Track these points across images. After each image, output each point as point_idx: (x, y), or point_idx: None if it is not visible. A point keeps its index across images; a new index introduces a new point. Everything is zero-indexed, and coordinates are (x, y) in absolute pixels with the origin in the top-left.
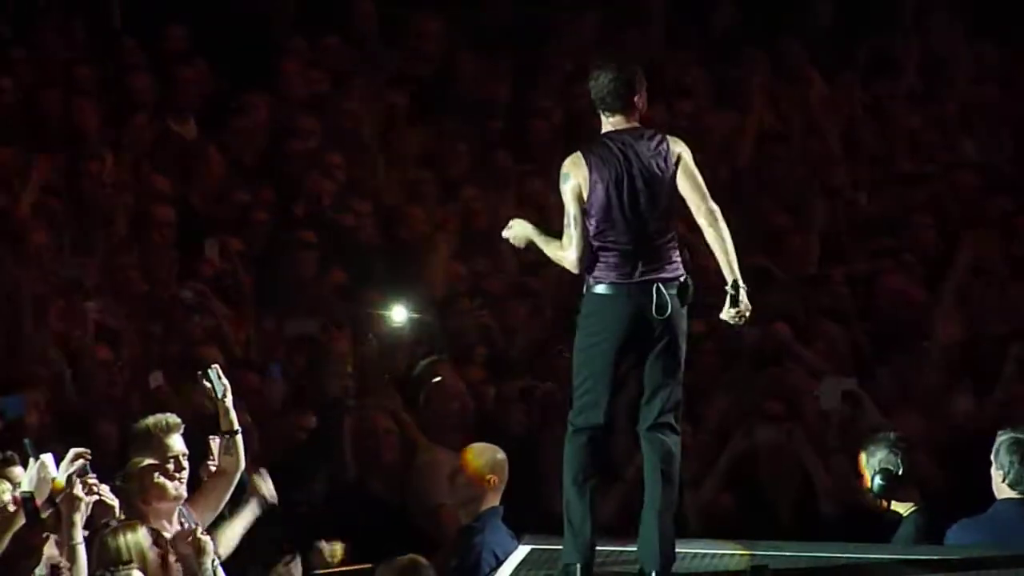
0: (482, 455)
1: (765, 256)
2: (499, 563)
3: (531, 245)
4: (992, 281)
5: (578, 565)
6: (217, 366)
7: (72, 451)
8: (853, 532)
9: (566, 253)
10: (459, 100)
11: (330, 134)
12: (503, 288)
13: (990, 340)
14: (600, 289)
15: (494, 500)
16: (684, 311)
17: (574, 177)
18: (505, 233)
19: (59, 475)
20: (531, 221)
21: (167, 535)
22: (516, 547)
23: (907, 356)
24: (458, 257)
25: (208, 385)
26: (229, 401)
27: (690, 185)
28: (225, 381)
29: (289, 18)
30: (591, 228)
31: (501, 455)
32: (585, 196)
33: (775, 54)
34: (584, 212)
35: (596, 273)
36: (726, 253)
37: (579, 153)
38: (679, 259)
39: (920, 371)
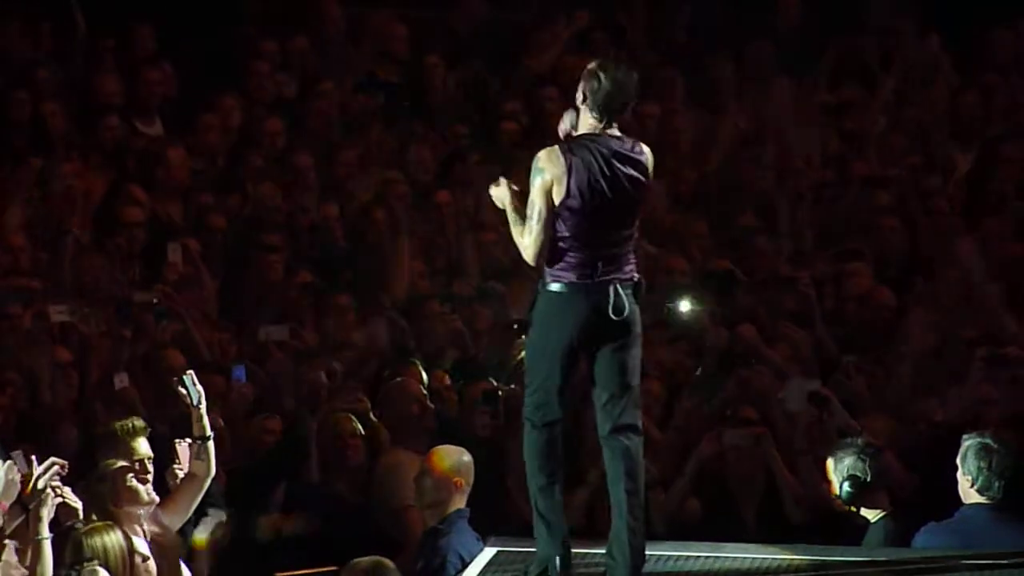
0: (448, 457)
1: (729, 259)
2: (465, 565)
3: (503, 214)
4: (963, 284)
5: (558, 557)
6: (192, 373)
7: (49, 460)
8: (820, 536)
9: (524, 243)
10: (427, 102)
11: (297, 136)
12: (469, 291)
13: (958, 343)
14: (557, 287)
15: (460, 502)
16: (638, 313)
17: (549, 172)
18: (491, 189)
19: (37, 482)
20: (494, 224)
21: (137, 539)
22: (482, 549)
23: (875, 358)
24: (425, 260)
25: (183, 391)
26: (203, 407)
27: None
28: (199, 388)
29: (257, 20)
30: (558, 227)
31: (467, 457)
32: (557, 194)
33: (743, 57)
34: (550, 209)
35: (556, 272)
36: None
37: (557, 149)
38: (635, 260)
39: (889, 373)
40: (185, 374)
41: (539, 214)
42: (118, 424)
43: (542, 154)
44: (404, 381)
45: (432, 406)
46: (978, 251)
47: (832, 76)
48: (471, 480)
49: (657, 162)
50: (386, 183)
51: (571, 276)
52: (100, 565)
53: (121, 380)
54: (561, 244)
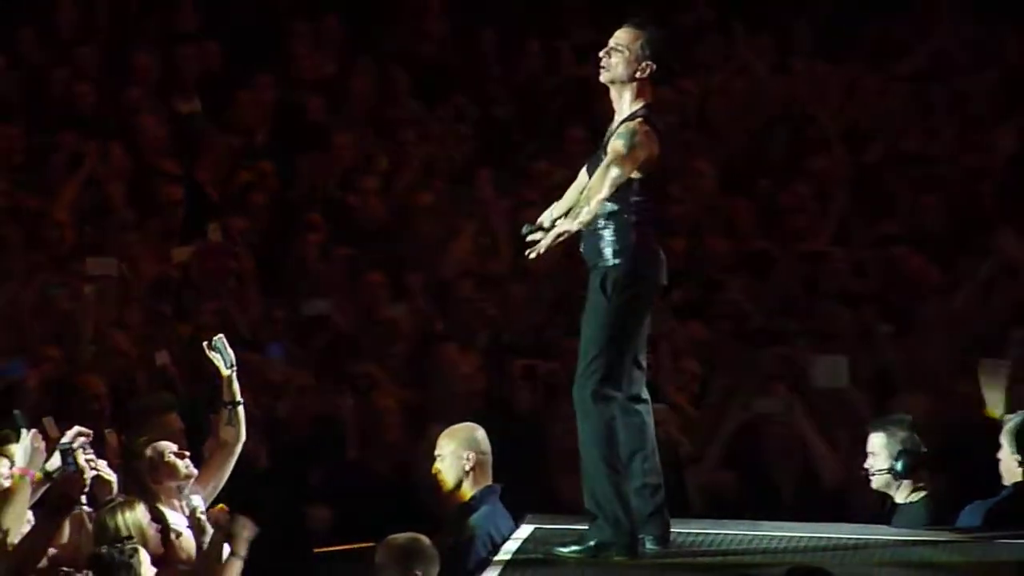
0: (454, 437)
1: (768, 237)
2: (494, 542)
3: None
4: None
5: (627, 538)
6: (223, 336)
7: (74, 428)
8: (853, 510)
9: (598, 198)
10: (468, 79)
11: (336, 114)
12: (505, 270)
13: (997, 321)
14: (641, 255)
15: (485, 478)
16: None
17: (648, 150)
18: (532, 253)
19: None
20: (536, 200)
21: (174, 513)
22: (512, 526)
23: (913, 334)
24: (464, 238)
25: (216, 355)
26: (234, 372)
27: None
28: (231, 352)
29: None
30: (636, 198)
31: (479, 433)
32: (643, 173)
33: (780, 36)
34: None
35: (633, 240)
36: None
37: (653, 131)
38: None
39: (927, 349)
40: (216, 338)
41: (618, 182)
42: (148, 400)
43: (642, 131)
44: (448, 358)
45: (475, 383)
46: (1016, 233)
47: (871, 56)
48: (485, 450)
49: (697, 139)
50: (426, 160)
51: (649, 245)
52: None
53: (162, 357)
54: (634, 215)
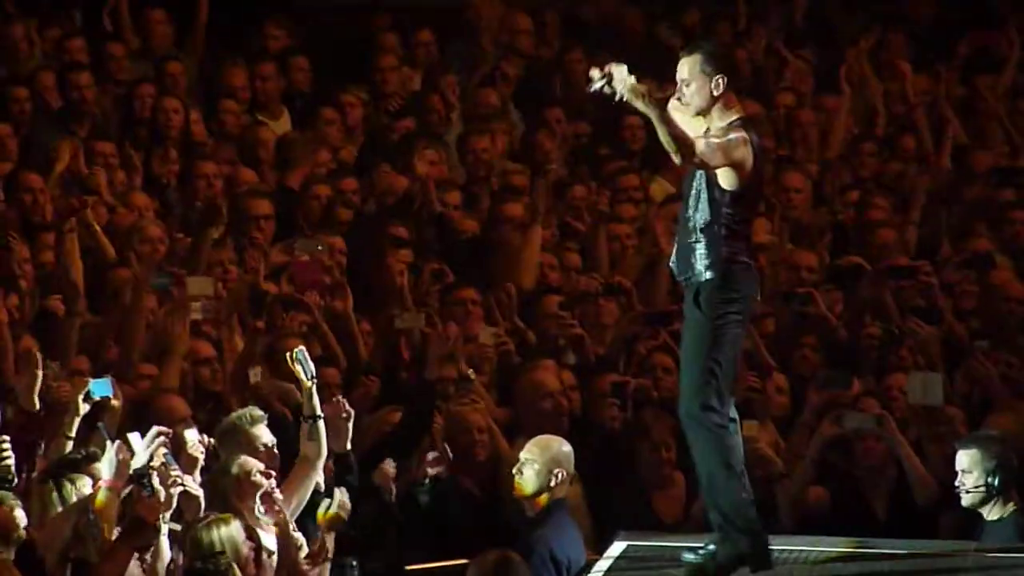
0: (549, 447)
1: (858, 253)
2: (555, 556)
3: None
4: None
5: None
6: (303, 348)
7: (153, 429)
8: (943, 528)
9: (694, 145)
10: (555, 95)
11: (424, 128)
12: (594, 284)
13: None
14: (733, 269)
15: (560, 492)
16: None
17: (741, 154)
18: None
19: (140, 454)
20: (627, 217)
21: (263, 533)
22: (578, 540)
23: (1009, 349)
24: (551, 252)
25: (298, 368)
26: (315, 385)
27: None
28: (312, 365)
29: (386, 15)
30: (728, 211)
31: (567, 447)
32: (739, 186)
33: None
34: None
35: (724, 254)
36: None
37: (748, 142)
38: None
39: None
40: (297, 349)
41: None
42: (237, 415)
43: (738, 135)
44: (537, 376)
45: (564, 402)
46: None
47: (963, 69)
48: (571, 470)
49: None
50: (515, 174)
51: (745, 256)
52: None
53: (255, 375)
54: (735, 225)
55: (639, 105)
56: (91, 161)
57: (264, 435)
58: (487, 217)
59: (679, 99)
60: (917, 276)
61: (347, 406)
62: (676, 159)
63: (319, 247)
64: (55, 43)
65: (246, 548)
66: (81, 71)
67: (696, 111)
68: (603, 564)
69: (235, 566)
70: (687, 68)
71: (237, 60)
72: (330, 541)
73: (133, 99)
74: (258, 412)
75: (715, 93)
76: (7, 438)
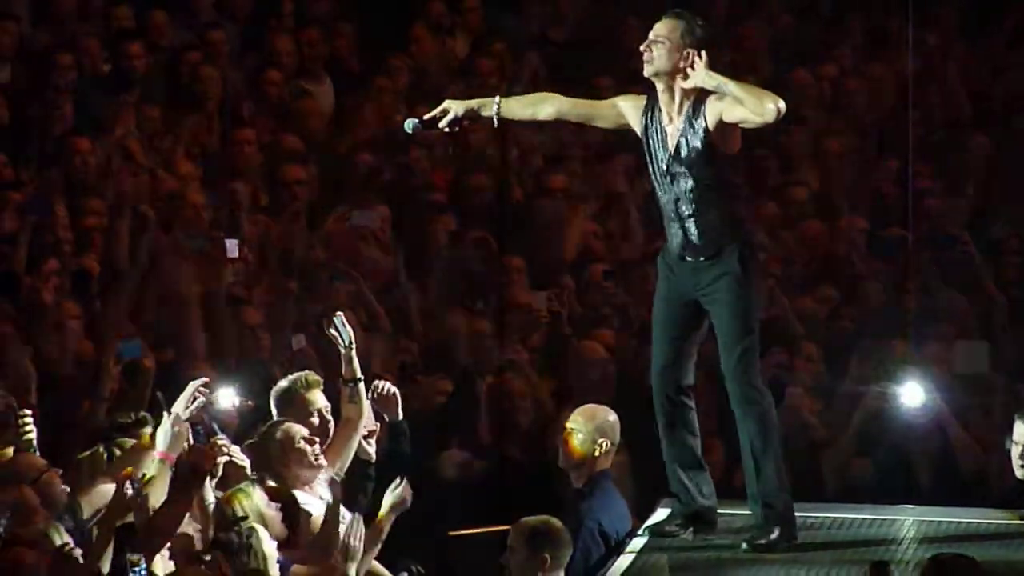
0: (595, 417)
1: (902, 223)
2: (603, 529)
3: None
4: None
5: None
6: (341, 314)
7: (192, 384)
8: (989, 498)
9: (750, 97)
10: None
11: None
12: (636, 254)
13: None
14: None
15: (605, 463)
16: None
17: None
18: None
19: (178, 409)
20: None
21: (307, 495)
22: (625, 512)
23: None
24: (594, 223)
25: (335, 333)
26: (354, 349)
27: None
28: (350, 330)
29: None
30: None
31: (613, 417)
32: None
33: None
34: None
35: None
36: None
37: None
38: None
39: None
40: (335, 315)
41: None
42: (292, 379)
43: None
44: (588, 344)
45: (613, 370)
46: None
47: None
48: (616, 440)
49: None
50: (560, 145)
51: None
52: (258, 524)
53: (299, 341)
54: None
55: (712, 84)
56: (141, 128)
57: (319, 400)
58: (532, 188)
59: (642, 51)
60: (957, 245)
61: (389, 388)
62: (769, 117)
63: (374, 217)
64: (101, 10)
65: (272, 510)
66: (132, 40)
67: (654, 72)
68: (650, 521)
69: (258, 528)
70: (665, 30)
71: (281, 26)
72: (387, 525)
73: (177, 65)
74: (314, 376)
75: (681, 65)
76: (29, 412)
